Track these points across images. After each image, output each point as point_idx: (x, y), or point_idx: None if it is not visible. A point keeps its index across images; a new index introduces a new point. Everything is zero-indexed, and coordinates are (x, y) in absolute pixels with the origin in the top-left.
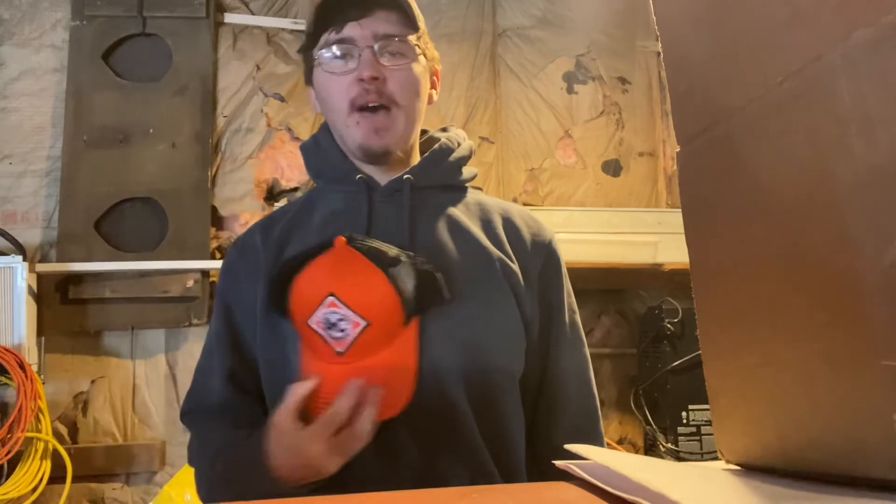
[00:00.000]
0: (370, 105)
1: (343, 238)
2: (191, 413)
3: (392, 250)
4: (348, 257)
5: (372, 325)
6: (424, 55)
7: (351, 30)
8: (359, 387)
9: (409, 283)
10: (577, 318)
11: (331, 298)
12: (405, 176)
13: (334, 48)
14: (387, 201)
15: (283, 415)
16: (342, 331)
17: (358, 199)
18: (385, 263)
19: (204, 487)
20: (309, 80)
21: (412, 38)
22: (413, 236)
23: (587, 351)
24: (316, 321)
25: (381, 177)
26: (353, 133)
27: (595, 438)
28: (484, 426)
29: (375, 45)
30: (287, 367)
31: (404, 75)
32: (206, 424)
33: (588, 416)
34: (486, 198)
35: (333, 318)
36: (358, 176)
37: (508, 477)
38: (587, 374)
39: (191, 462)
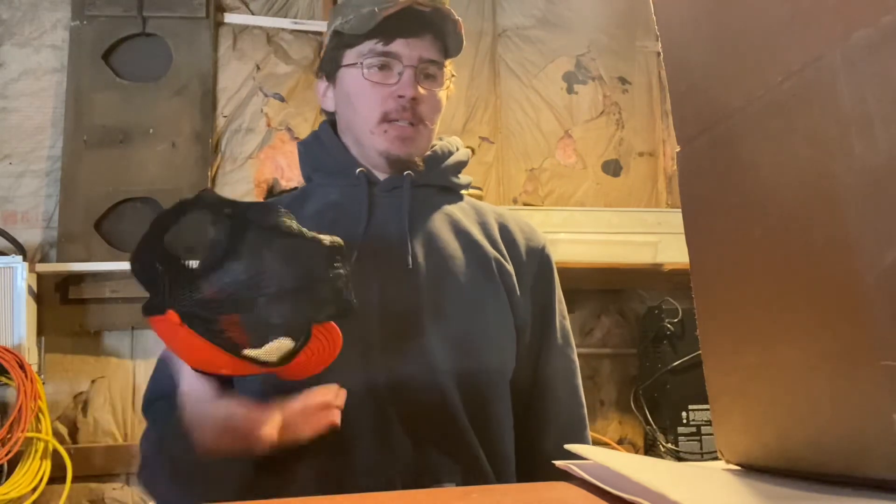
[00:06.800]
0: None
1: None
2: (151, 403)
3: None
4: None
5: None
6: (451, 82)
7: (399, 46)
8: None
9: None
10: (568, 323)
11: None
12: (406, 172)
13: (380, 59)
14: (387, 195)
15: (192, 381)
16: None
17: (356, 192)
18: None
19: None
20: (327, 72)
21: (447, 64)
22: (412, 229)
23: (576, 357)
24: None
25: (381, 175)
26: (377, 141)
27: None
28: (475, 425)
29: (418, 66)
30: None
31: (434, 100)
32: (165, 413)
33: (576, 423)
34: (481, 203)
35: None
36: (358, 169)
37: (498, 477)
38: (575, 380)
39: (140, 474)
